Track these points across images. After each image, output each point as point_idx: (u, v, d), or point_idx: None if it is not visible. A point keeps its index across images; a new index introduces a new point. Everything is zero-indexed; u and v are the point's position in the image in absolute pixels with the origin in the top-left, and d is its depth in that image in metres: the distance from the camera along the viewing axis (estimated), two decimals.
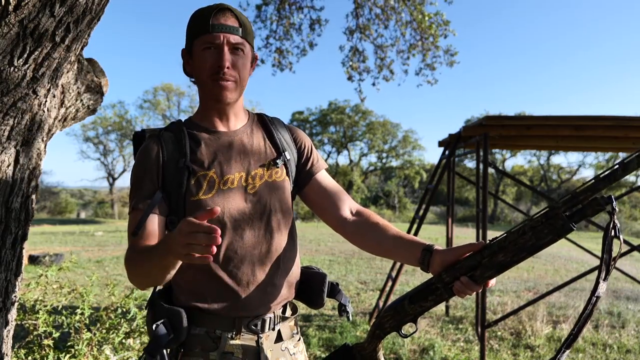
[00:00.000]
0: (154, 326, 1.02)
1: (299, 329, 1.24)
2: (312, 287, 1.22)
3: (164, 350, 1.01)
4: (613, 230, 0.81)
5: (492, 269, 0.92)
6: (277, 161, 1.17)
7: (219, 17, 1.09)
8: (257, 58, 1.20)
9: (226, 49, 1.09)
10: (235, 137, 1.16)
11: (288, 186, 1.20)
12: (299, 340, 1.22)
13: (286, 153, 1.20)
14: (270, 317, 1.13)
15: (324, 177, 1.25)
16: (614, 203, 0.79)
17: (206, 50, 1.09)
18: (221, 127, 1.17)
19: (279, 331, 1.16)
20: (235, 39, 1.09)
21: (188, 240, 0.80)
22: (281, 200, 1.17)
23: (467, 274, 0.95)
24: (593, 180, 0.84)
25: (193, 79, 1.20)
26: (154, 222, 1.06)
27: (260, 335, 1.11)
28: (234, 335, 1.08)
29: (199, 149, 1.12)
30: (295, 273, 1.20)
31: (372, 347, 1.09)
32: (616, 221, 0.80)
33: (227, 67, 1.08)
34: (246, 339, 1.10)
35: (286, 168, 1.19)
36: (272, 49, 6.52)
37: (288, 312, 1.20)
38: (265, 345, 1.11)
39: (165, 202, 1.08)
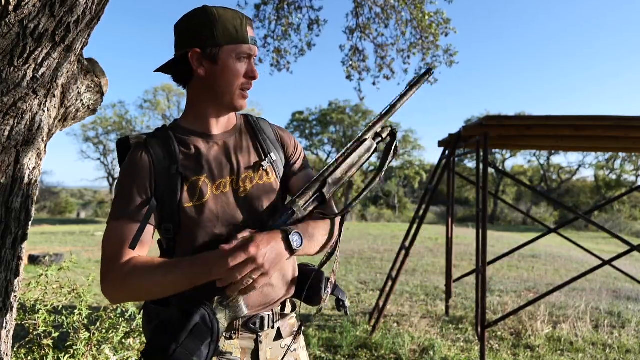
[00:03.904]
0: (150, 329, 1.01)
1: (300, 325, 1.23)
2: (310, 284, 1.22)
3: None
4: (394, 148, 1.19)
5: (333, 185, 1.12)
6: (263, 163, 1.16)
7: (250, 29, 1.11)
8: None
9: (253, 60, 1.12)
10: (224, 139, 1.16)
11: (277, 187, 1.19)
12: (299, 335, 1.21)
13: (272, 154, 1.19)
14: (268, 315, 1.12)
15: (307, 176, 1.25)
16: (396, 129, 1.19)
17: (240, 60, 1.09)
18: (213, 131, 1.16)
19: (278, 328, 1.15)
20: (257, 51, 1.13)
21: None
22: (272, 201, 1.16)
23: (315, 194, 1.10)
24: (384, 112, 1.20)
25: (181, 84, 1.17)
26: (148, 232, 1.05)
27: (260, 333, 1.11)
28: (232, 335, 1.08)
29: (190, 153, 1.11)
30: (292, 271, 1.20)
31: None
32: (396, 138, 1.21)
33: (257, 78, 1.12)
34: (245, 338, 1.09)
35: (274, 169, 1.19)
36: (270, 49, 6.52)
37: (287, 309, 1.19)
38: (265, 344, 1.11)
39: (158, 211, 1.07)
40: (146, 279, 0.98)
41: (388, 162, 1.17)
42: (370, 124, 1.18)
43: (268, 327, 1.12)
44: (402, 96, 1.21)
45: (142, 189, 1.06)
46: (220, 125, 1.17)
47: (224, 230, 1.08)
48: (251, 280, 0.94)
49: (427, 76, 1.25)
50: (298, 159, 1.26)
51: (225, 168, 1.12)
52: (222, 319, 0.97)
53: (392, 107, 1.19)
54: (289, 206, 1.07)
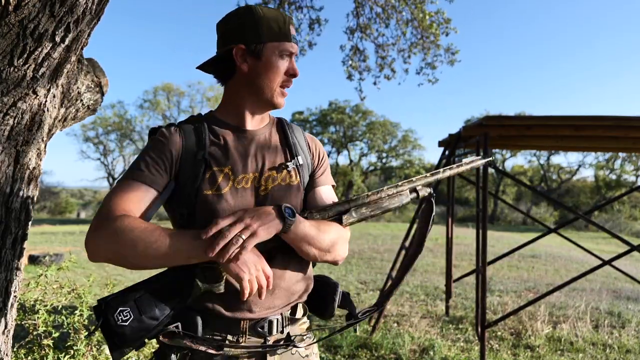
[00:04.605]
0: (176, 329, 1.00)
1: (312, 331, 1.20)
2: (323, 296, 1.19)
3: (173, 355, 1.01)
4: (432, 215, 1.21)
5: (356, 216, 1.14)
6: (288, 164, 1.16)
7: (292, 27, 1.13)
8: None
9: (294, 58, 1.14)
10: (254, 136, 1.17)
11: (300, 190, 1.18)
12: (312, 342, 1.19)
13: (299, 158, 1.19)
14: (277, 319, 1.10)
15: (323, 192, 1.23)
16: (434, 195, 1.21)
17: (282, 57, 1.11)
18: (246, 126, 1.17)
19: (287, 334, 1.13)
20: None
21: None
22: (292, 204, 1.14)
23: (334, 215, 1.13)
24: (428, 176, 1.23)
25: (220, 81, 1.18)
26: (154, 207, 1.06)
27: (268, 337, 1.09)
28: (239, 338, 1.06)
29: (218, 144, 1.12)
30: (306, 276, 1.18)
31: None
32: (434, 207, 1.21)
33: (298, 75, 1.14)
34: (252, 342, 1.07)
35: (298, 172, 1.18)
36: None
37: (299, 314, 1.17)
38: (273, 349, 1.08)
39: (175, 194, 1.08)
40: (139, 239, 0.93)
41: (428, 231, 1.21)
42: (414, 179, 1.21)
43: (277, 332, 1.10)
44: (453, 168, 1.27)
45: (167, 165, 1.07)
46: (254, 122, 1.18)
47: None
48: (241, 240, 0.94)
49: (483, 163, 1.35)
50: (323, 172, 1.25)
51: (250, 164, 1.13)
52: (197, 287, 0.99)
53: (441, 172, 1.24)
54: (305, 216, 1.09)
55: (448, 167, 1.27)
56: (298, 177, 1.18)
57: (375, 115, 31.70)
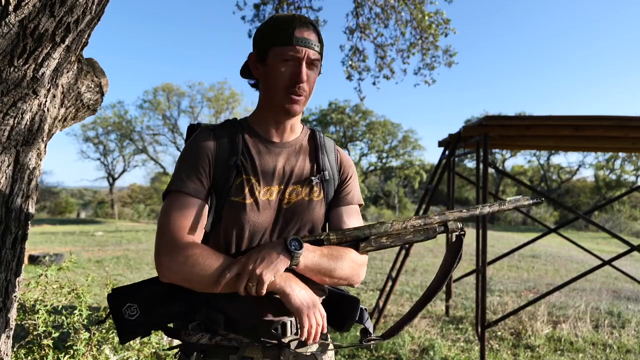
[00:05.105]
0: (189, 327, 1.05)
1: (328, 334, 1.19)
2: (343, 310, 1.17)
3: (195, 353, 1.04)
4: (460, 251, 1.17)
5: (374, 245, 1.10)
6: (313, 178, 1.15)
7: (303, 30, 1.09)
8: (320, 72, 1.18)
9: (304, 63, 1.09)
10: (283, 149, 1.16)
11: (322, 206, 1.17)
12: (328, 345, 1.18)
13: (325, 173, 1.17)
14: (291, 321, 1.10)
15: (346, 213, 1.20)
16: (464, 232, 1.17)
17: (285, 62, 1.08)
18: (275, 138, 1.16)
19: None
20: (314, 54, 1.10)
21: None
22: (313, 219, 1.14)
23: (352, 241, 1.09)
24: (463, 211, 1.19)
25: (252, 83, 1.20)
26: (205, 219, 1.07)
27: (282, 339, 1.08)
28: (253, 341, 1.07)
29: (249, 153, 1.12)
30: (320, 285, 1.15)
31: None
32: (462, 246, 1.17)
33: (303, 82, 1.09)
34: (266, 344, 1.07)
35: (323, 188, 1.17)
36: None
37: None
38: (288, 351, 1.09)
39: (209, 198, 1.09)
40: (209, 271, 0.99)
41: (453, 268, 1.17)
42: (447, 213, 1.15)
43: (291, 333, 1.10)
44: (493, 205, 1.22)
45: (207, 171, 1.08)
46: (280, 133, 1.17)
47: (258, 235, 1.08)
48: (254, 288, 0.96)
49: (530, 204, 1.29)
50: (349, 192, 1.22)
51: (276, 177, 1.12)
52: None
53: (479, 208, 1.19)
54: (321, 238, 1.07)
55: (488, 204, 1.21)
56: (322, 192, 1.17)
57: (376, 115, 31.70)
